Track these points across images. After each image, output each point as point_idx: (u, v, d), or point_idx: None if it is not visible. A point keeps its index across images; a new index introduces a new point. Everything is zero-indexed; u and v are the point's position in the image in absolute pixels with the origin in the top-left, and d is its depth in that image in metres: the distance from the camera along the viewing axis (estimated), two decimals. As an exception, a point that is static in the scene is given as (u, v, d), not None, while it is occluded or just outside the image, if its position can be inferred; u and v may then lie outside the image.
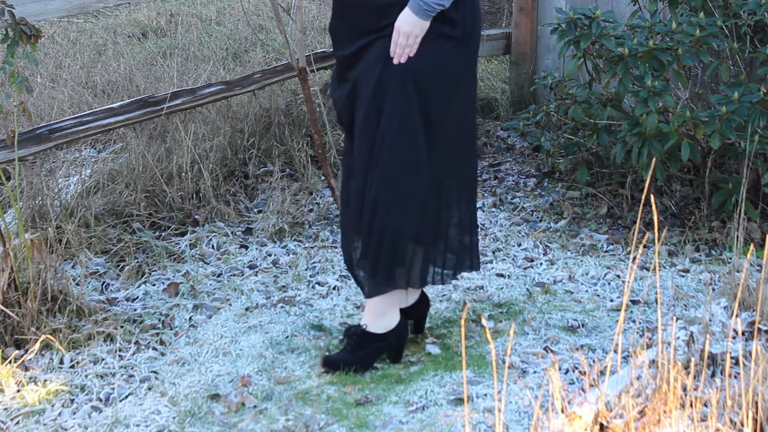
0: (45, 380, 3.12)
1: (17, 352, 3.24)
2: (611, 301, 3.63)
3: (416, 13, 2.89)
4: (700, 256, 3.95)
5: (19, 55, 3.48)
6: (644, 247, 4.04)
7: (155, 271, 3.92)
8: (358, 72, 3.02)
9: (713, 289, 3.60)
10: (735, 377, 2.68)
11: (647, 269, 3.86)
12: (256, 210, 4.47)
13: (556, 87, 4.65)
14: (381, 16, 2.95)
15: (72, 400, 3.03)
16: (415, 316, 3.32)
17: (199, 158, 4.52)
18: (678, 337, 3.02)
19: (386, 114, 2.96)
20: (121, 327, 3.44)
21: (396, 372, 3.16)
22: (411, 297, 3.26)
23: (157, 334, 3.45)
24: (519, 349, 3.27)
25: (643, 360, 2.56)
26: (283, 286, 3.81)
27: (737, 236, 3.62)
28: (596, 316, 3.51)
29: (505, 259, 4.01)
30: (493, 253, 4.06)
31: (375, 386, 3.07)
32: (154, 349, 3.35)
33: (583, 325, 3.43)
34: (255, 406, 2.97)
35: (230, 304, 3.66)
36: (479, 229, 4.19)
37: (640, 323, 3.39)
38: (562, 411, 2.47)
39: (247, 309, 3.62)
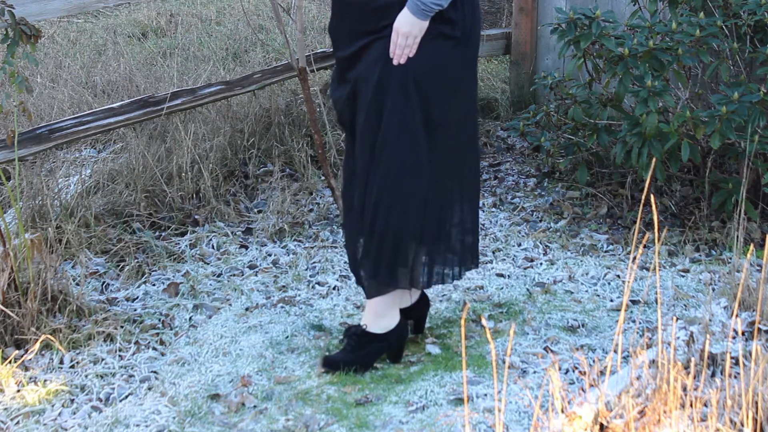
0: (45, 380, 3.12)
1: (17, 352, 3.24)
2: (611, 301, 3.63)
3: (414, 14, 2.89)
4: (700, 256, 3.95)
5: (19, 55, 3.48)
6: (644, 247, 4.04)
7: (155, 271, 3.92)
8: (357, 72, 3.02)
9: (713, 289, 3.60)
10: (735, 377, 2.68)
11: (647, 269, 3.86)
12: (256, 210, 4.47)
13: (556, 87, 4.65)
14: (380, 16, 2.95)
15: (72, 400, 3.03)
16: (415, 316, 3.32)
17: (199, 158, 4.52)
18: (678, 337, 3.02)
19: (387, 114, 2.96)
20: (121, 327, 3.44)
21: (396, 372, 3.16)
22: (413, 296, 3.26)
23: (157, 334, 3.45)
24: (519, 349, 3.27)
25: (643, 360, 2.56)
26: (283, 286, 3.81)
27: (737, 236, 3.62)
28: (596, 316, 3.51)
29: (505, 259, 4.01)
30: (493, 253, 4.06)
31: (375, 386, 3.07)
32: (154, 349, 3.35)
33: (583, 325, 3.43)
34: (255, 406, 2.97)
35: (230, 304, 3.66)
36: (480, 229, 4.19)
37: (640, 323, 3.39)
38: (562, 411, 2.47)
39: (247, 309, 3.62)
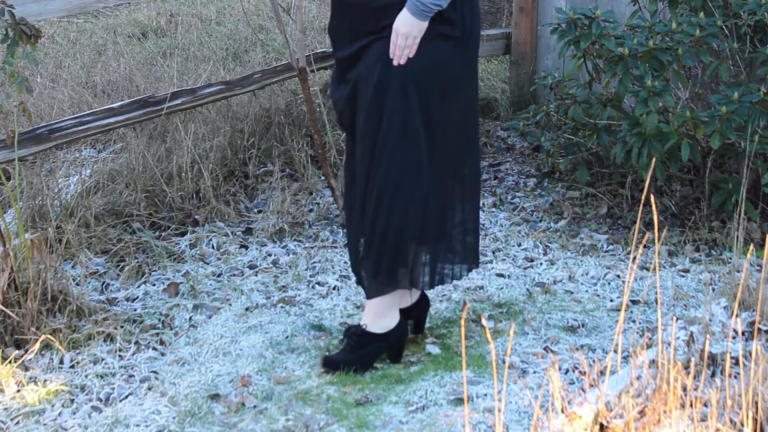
0: (45, 380, 3.12)
1: (17, 352, 3.24)
2: (611, 301, 3.63)
3: (414, 14, 2.89)
4: (700, 256, 3.95)
5: (19, 55, 3.48)
6: (644, 247, 4.04)
7: (155, 271, 3.92)
8: (357, 73, 3.02)
9: (713, 289, 3.60)
10: (735, 377, 2.68)
11: (647, 269, 3.86)
12: (256, 210, 4.47)
13: (556, 87, 4.65)
14: (380, 17, 2.95)
15: (72, 400, 3.03)
16: (415, 316, 3.32)
17: (199, 158, 4.52)
18: (678, 337, 3.02)
19: (387, 115, 2.96)
20: (121, 327, 3.44)
21: (396, 372, 3.16)
22: (413, 296, 3.26)
23: (157, 334, 3.45)
24: (519, 349, 3.27)
25: (643, 360, 2.56)
26: (283, 286, 3.81)
27: (737, 236, 3.62)
28: (596, 316, 3.51)
29: (505, 259, 4.01)
30: (493, 253, 4.06)
31: (375, 386, 3.07)
32: (154, 349, 3.35)
33: (583, 325, 3.43)
34: (255, 406, 2.97)
35: (230, 304, 3.66)
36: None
37: (640, 323, 3.39)
38: (562, 411, 2.47)
39: (247, 309, 3.62)
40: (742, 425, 2.37)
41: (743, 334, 3.04)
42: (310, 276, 3.88)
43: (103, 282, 3.81)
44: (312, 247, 4.12)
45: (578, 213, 4.41)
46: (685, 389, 2.49)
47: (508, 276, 3.84)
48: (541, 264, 3.95)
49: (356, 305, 3.62)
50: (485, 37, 5.41)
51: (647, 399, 2.48)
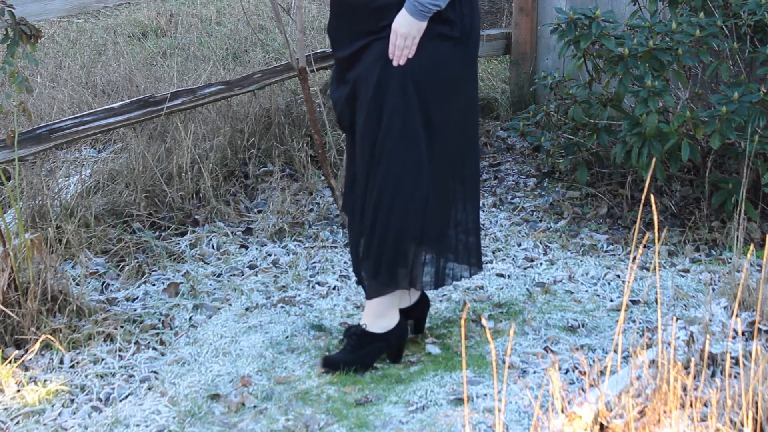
0: (45, 380, 3.12)
1: (17, 352, 3.24)
2: (611, 301, 3.63)
3: (412, 14, 2.88)
4: (700, 256, 3.95)
5: (19, 55, 3.48)
6: (644, 247, 4.04)
7: (155, 271, 3.92)
8: (357, 73, 3.02)
9: (713, 289, 3.60)
10: (735, 377, 2.68)
11: (647, 269, 3.86)
12: (256, 210, 4.47)
13: (556, 87, 4.65)
14: (379, 17, 2.95)
15: (72, 400, 3.03)
16: (415, 316, 3.32)
17: (199, 158, 4.52)
18: (678, 337, 3.02)
19: (386, 115, 2.96)
20: (121, 327, 3.44)
21: (396, 372, 3.16)
22: (413, 297, 3.26)
23: (157, 334, 3.45)
24: (519, 349, 3.27)
25: (643, 360, 2.56)
26: (283, 286, 3.81)
27: (737, 236, 3.62)
28: (596, 316, 3.51)
29: (505, 259, 4.01)
30: (493, 253, 4.06)
31: (375, 386, 3.07)
32: (154, 349, 3.35)
33: (583, 325, 3.43)
34: (255, 406, 2.97)
35: (230, 304, 3.66)
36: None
37: (640, 323, 3.39)
38: (562, 411, 2.47)
39: (247, 309, 3.62)
40: (742, 425, 2.37)
41: (743, 334, 3.04)
42: (310, 276, 3.88)
43: (103, 282, 3.81)
44: (312, 247, 4.12)
45: (578, 213, 4.41)
46: (685, 389, 2.49)
47: (508, 276, 3.84)
48: (541, 264, 3.95)
49: (356, 305, 3.62)
50: (485, 37, 5.41)
51: (647, 399, 2.48)
